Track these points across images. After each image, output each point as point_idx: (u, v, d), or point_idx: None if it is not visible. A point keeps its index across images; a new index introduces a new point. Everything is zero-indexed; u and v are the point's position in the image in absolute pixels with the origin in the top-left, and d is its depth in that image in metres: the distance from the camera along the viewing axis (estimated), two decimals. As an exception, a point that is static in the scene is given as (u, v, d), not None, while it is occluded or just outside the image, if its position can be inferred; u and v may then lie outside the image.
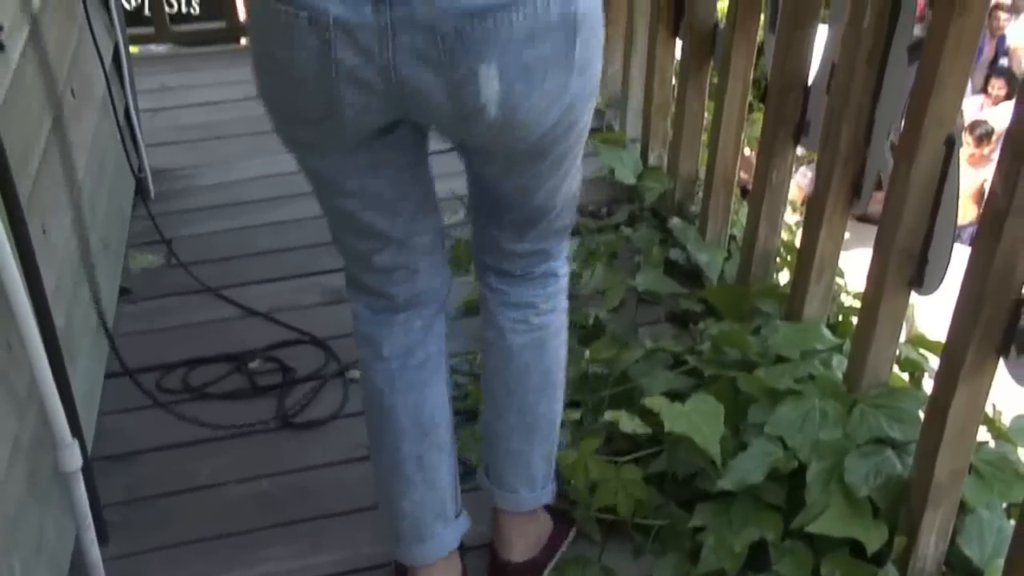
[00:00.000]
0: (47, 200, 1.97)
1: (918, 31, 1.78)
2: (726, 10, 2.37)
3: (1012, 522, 1.60)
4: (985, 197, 1.53)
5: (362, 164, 1.47)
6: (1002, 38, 8.20)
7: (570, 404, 2.13)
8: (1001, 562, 1.61)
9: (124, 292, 2.65)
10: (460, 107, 1.30)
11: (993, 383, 1.65)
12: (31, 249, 1.64)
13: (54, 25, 2.22)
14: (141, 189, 2.98)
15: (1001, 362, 1.59)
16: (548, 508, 1.92)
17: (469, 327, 2.04)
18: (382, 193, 1.51)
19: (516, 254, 1.68)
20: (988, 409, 1.86)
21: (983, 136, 6.40)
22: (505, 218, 1.63)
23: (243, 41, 4.05)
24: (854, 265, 2.17)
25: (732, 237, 2.60)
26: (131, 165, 2.88)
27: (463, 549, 1.82)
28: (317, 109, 1.35)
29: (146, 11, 3.85)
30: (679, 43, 2.63)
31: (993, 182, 1.50)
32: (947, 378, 1.64)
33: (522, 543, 1.87)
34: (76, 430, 1.76)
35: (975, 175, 6.07)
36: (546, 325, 1.73)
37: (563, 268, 1.75)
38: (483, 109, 1.30)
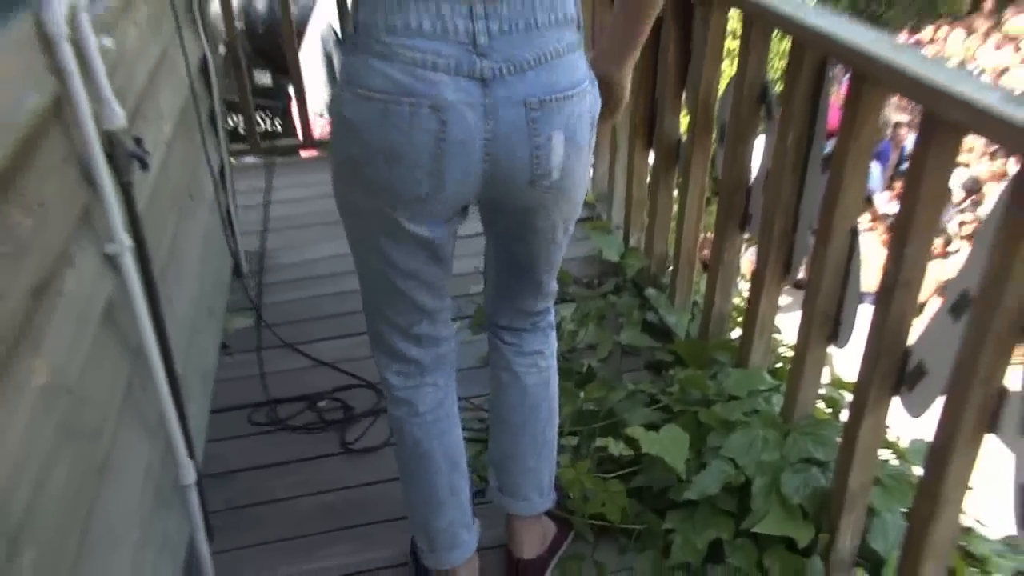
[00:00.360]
0: (172, 277, 1.99)
1: (829, 147, 1.79)
2: (687, 128, 2.37)
3: (906, 523, 1.61)
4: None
5: (427, 248, 1.46)
6: (904, 147, 8.59)
7: (569, 433, 2.16)
8: (898, 553, 1.63)
9: (224, 347, 2.68)
10: (534, 169, 1.33)
11: (890, 414, 1.66)
12: (161, 315, 1.66)
13: (180, 147, 2.27)
14: (237, 267, 3.00)
15: (897, 398, 1.61)
16: (551, 516, 1.92)
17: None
18: (435, 274, 1.51)
19: (529, 313, 1.69)
20: (891, 435, 1.90)
21: (891, 224, 6.48)
22: (524, 285, 1.63)
23: (303, 154, 4.10)
24: (791, 323, 2.12)
25: (695, 303, 2.58)
26: (230, 248, 2.91)
27: (478, 550, 1.82)
28: (422, 186, 1.33)
29: (241, 130, 3.93)
30: (652, 153, 2.64)
31: (886, 261, 1.54)
32: (856, 411, 1.66)
33: (532, 542, 1.87)
34: (191, 453, 1.78)
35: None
36: (550, 367, 1.75)
37: (554, 321, 1.77)
38: (549, 173, 1.34)
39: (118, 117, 1.50)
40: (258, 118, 4.39)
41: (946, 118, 1.34)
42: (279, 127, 5.24)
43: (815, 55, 1.73)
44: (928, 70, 1.38)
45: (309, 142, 3.91)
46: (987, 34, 10.83)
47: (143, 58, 1.96)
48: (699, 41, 2.19)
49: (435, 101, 1.24)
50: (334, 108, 1.34)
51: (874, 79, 1.54)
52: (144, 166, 1.59)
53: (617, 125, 2.86)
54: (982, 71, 9.89)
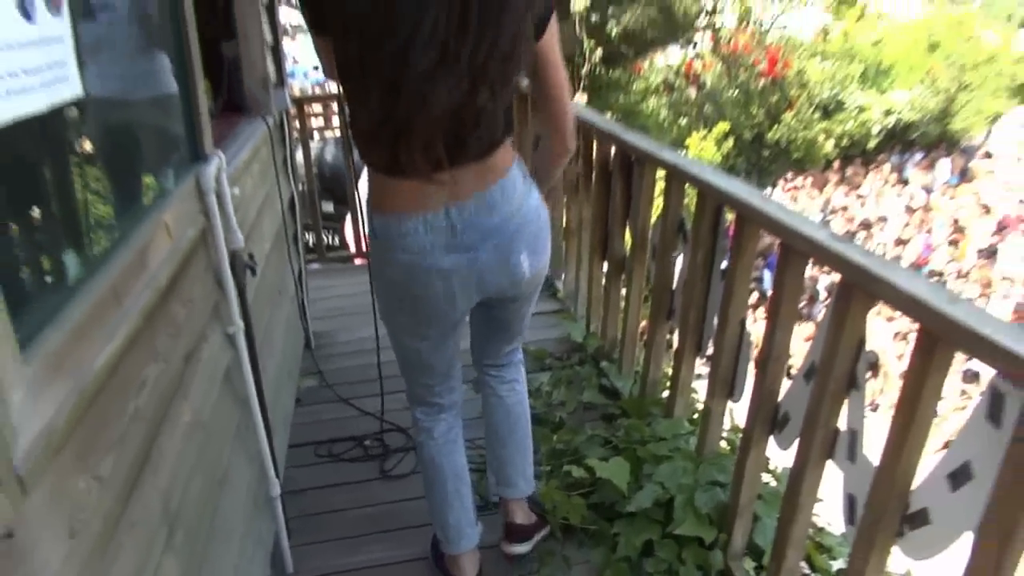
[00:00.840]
0: (266, 350, 2.07)
1: (726, 263, 1.87)
2: (630, 247, 2.42)
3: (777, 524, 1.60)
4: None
5: (445, 339, 1.57)
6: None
7: (546, 464, 2.17)
8: (772, 546, 1.63)
9: (297, 400, 2.70)
10: (512, 280, 1.45)
11: (768, 449, 1.71)
12: (259, 376, 1.75)
13: (274, 257, 2.37)
14: (307, 341, 3.04)
15: (772, 438, 1.67)
16: (534, 511, 1.92)
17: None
18: (449, 354, 1.62)
19: (506, 353, 1.76)
20: (770, 464, 1.96)
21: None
22: (503, 335, 1.69)
23: (356, 262, 4.12)
24: (703, 385, 2.03)
25: (636, 371, 2.56)
26: (303, 328, 2.97)
27: (480, 547, 1.85)
28: (439, 312, 1.46)
29: (311, 244, 4.03)
30: (605, 264, 2.67)
31: (761, 343, 1.63)
32: (744, 447, 1.71)
33: (521, 514, 1.88)
34: (277, 474, 1.85)
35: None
36: (523, 390, 1.82)
37: (523, 359, 1.82)
38: (522, 278, 1.46)
39: (239, 240, 1.65)
40: (323, 235, 4.52)
41: (795, 248, 1.51)
42: (337, 241, 5.38)
43: (713, 202, 1.87)
44: (782, 215, 1.54)
45: (358, 253, 4.05)
46: (837, 183, 11.28)
47: (255, 199, 2.11)
48: (637, 188, 2.31)
49: (438, 269, 1.38)
50: (375, 265, 1.46)
51: (750, 219, 1.69)
52: (253, 273, 1.74)
53: (580, 244, 2.97)
54: (832, 209, 10.21)
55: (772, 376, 1.64)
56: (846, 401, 1.39)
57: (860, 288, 1.32)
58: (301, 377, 2.85)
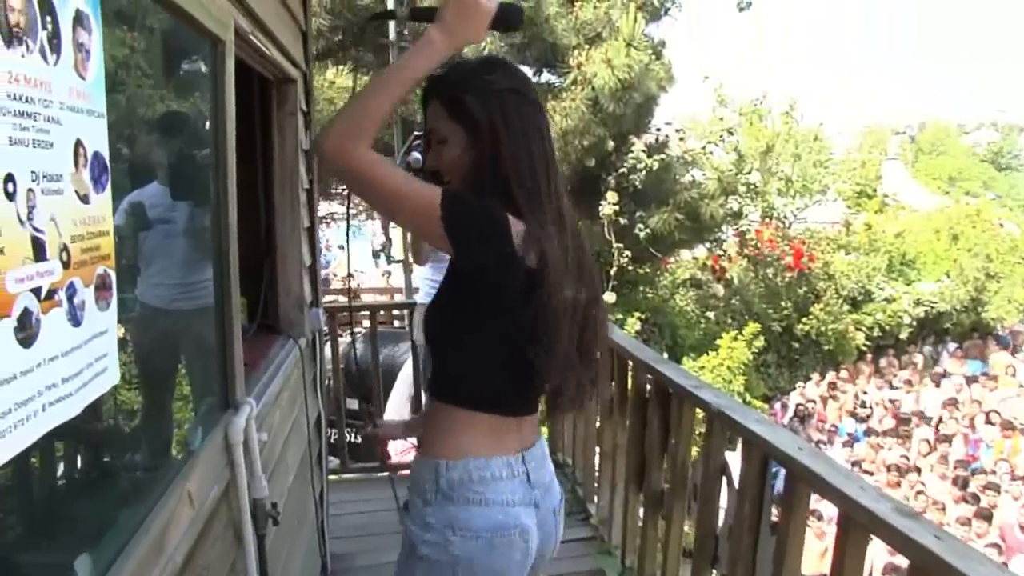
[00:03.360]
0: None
1: (777, 517, 1.83)
2: (668, 481, 2.35)
3: None
4: None
5: None
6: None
7: None
8: None
9: None
10: (552, 542, 1.33)
11: None
12: None
13: (296, 486, 2.29)
14: (323, 566, 2.85)
15: None
16: None
17: None
18: None
19: None
20: None
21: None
22: None
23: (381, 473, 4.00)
24: None
25: None
26: (320, 553, 2.81)
27: None
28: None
29: (332, 440, 3.95)
30: (642, 495, 2.60)
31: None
32: None
33: None
34: None
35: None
36: None
37: None
38: (555, 544, 1.34)
39: (263, 489, 1.60)
40: (346, 433, 4.43)
41: (856, 520, 1.42)
42: (360, 440, 5.28)
43: (759, 452, 1.82)
44: (838, 479, 1.47)
45: (382, 467, 3.93)
46: (869, 376, 11.18)
47: (281, 432, 2.09)
48: (675, 424, 2.28)
49: (521, 529, 1.22)
50: (436, 550, 1.21)
51: (802, 478, 1.63)
52: (276, 523, 1.67)
53: (615, 469, 2.89)
54: (865, 404, 10.03)
55: None
56: None
57: (934, 580, 1.21)
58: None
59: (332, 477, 3.72)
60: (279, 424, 2.05)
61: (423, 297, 3.30)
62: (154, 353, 1.35)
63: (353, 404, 5.43)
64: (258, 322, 2.41)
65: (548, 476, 1.32)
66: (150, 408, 1.29)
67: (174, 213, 1.62)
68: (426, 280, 3.29)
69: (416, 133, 3.11)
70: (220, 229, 1.56)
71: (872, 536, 1.42)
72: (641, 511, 2.63)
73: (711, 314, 9.45)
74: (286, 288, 2.55)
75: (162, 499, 1.15)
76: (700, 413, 2.14)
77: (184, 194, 1.62)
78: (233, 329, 1.57)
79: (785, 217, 12.20)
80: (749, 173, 8.09)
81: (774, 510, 1.92)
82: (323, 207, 11.43)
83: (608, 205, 6.89)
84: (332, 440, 4.03)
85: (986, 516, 6.39)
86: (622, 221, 7.11)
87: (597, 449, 3.18)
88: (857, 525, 1.43)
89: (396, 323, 8.68)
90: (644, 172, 7.04)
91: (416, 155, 2.96)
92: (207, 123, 1.54)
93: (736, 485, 1.96)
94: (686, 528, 2.38)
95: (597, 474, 3.17)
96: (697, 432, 2.24)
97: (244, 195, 1.84)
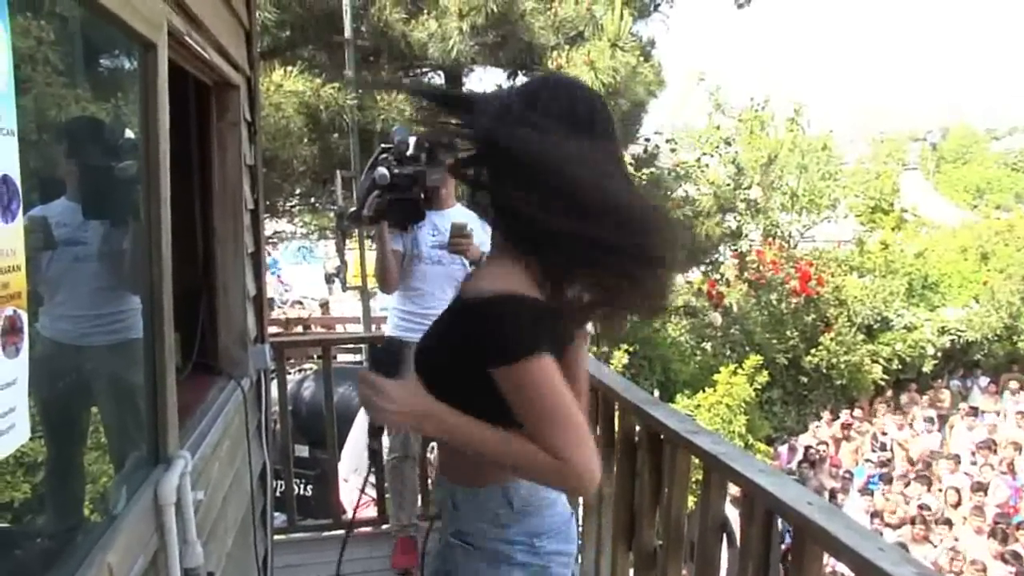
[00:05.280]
0: None
1: None
2: (662, 539, 2.35)
3: None
4: None
5: None
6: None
7: None
8: None
9: None
10: None
11: None
12: None
13: (237, 552, 2.24)
14: None
15: None
16: None
17: None
18: None
19: None
20: None
21: None
22: None
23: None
24: None
25: None
26: None
27: None
28: None
29: (279, 494, 3.92)
30: (631, 555, 2.59)
31: None
32: None
33: None
34: None
35: None
36: None
37: None
38: None
39: (198, 557, 1.58)
40: (295, 484, 4.38)
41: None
42: (311, 492, 5.25)
43: (763, 506, 1.81)
44: (854, 540, 1.48)
45: (337, 524, 3.88)
46: (889, 414, 11.25)
47: (220, 489, 2.06)
48: (668, 474, 2.27)
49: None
50: (531, 556, 1.41)
51: (812, 538, 1.63)
52: (212, 595, 1.65)
53: (601, 525, 2.87)
54: (884, 446, 10.09)
55: None
56: None
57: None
58: None
59: (278, 537, 3.66)
60: (217, 479, 2.03)
61: (392, 329, 3.30)
62: (61, 397, 1.33)
63: (303, 451, 5.39)
64: (194, 361, 2.39)
65: None
66: (58, 464, 1.28)
67: (85, 233, 1.61)
68: (396, 310, 3.29)
69: (383, 146, 3.13)
70: (151, 254, 1.55)
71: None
72: (631, 573, 2.61)
73: (707, 345, 9.51)
74: (227, 322, 2.54)
75: (77, 575, 1.12)
76: (696, 461, 2.15)
77: (99, 212, 1.61)
78: (165, 370, 1.56)
79: (790, 236, 12.35)
80: (749, 188, 8.21)
81: (782, 569, 1.92)
82: (269, 226, 11.40)
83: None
84: (279, 494, 4.01)
85: (1034, 577, 6.36)
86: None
87: (580, 502, 3.16)
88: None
89: (350, 356, 8.63)
90: (632, 187, 7.12)
91: (383, 170, 2.99)
92: (134, 133, 1.53)
93: (738, 544, 1.96)
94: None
95: (581, 530, 3.15)
96: (694, 480, 2.24)
97: (179, 216, 1.83)
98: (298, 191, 7.96)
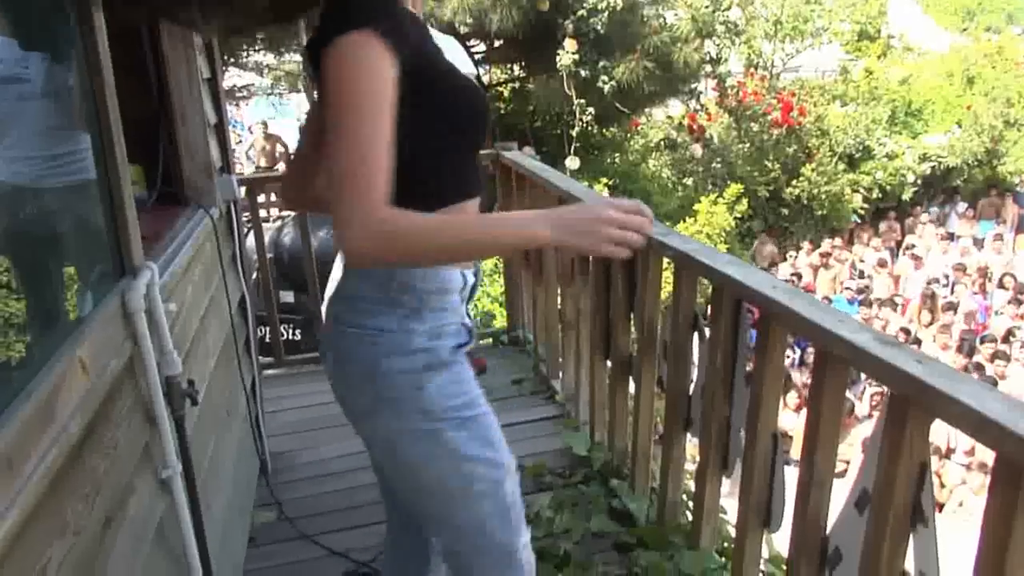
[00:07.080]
0: (212, 487, 2.00)
1: (750, 367, 1.87)
2: (635, 346, 2.44)
3: None
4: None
5: None
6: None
7: None
8: None
9: (251, 540, 2.59)
10: None
11: None
12: (202, 524, 1.70)
13: (221, 374, 2.30)
14: (263, 466, 2.93)
15: None
16: None
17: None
18: None
19: None
20: None
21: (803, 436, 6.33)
22: None
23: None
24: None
25: (652, 488, 2.52)
26: (257, 451, 2.86)
27: None
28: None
29: (267, 339, 3.98)
30: (609, 363, 2.67)
31: (799, 468, 1.59)
32: None
33: None
34: None
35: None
36: None
37: None
38: None
39: (176, 365, 1.61)
40: (282, 330, 4.44)
41: (834, 353, 1.47)
42: (299, 336, 5.32)
43: (731, 296, 1.86)
44: (816, 314, 1.51)
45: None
46: (867, 242, 11.36)
47: (196, 309, 2.07)
48: (641, 278, 2.31)
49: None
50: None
51: (776, 319, 1.67)
52: (194, 402, 1.68)
53: (579, 339, 2.95)
54: (863, 272, 10.26)
55: (815, 504, 1.59)
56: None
57: (916, 403, 1.27)
58: (255, 511, 2.77)
59: (268, 372, 3.74)
60: (192, 299, 2.04)
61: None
62: (23, 239, 1.31)
63: (288, 297, 5.42)
64: (159, 190, 2.36)
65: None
66: (25, 287, 1.27)
67: (26, 70, 1.54)
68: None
69: None
70: (92, 81, 1.48)
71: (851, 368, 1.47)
72: (608, 381, 2.70)
73: (689, 180, 9.48)
74: (189, 151, 2.48)
75: (47, 365, 1.14)
76: (667, 263, 2.17)
77: (34, 44, 1.54)
78: (121, 188, 1.53)
79: (773, 65, 12.08)
80: (728, 9, 7.90)
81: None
82: (235, 78, 11.00)
83: (566, 54, 6.73)
84: (266, 340, 4.06)
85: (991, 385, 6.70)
86: (583, 73, 6.96)
87: (559, 323, 3.23)
88: (835, 359, 1.48)
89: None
90: (606, 14, 6.83)
91: None
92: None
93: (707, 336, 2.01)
94: (656, 391, 2.44)
95: (561, 349, 3.23)
96: (666, 282, 2.27)
97: (123, 45, 1.75)
98: (260, 36, 7.63)
